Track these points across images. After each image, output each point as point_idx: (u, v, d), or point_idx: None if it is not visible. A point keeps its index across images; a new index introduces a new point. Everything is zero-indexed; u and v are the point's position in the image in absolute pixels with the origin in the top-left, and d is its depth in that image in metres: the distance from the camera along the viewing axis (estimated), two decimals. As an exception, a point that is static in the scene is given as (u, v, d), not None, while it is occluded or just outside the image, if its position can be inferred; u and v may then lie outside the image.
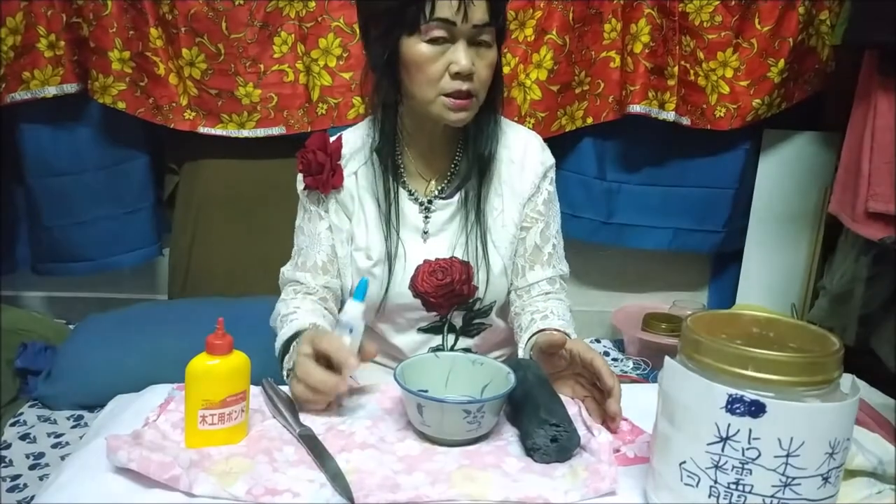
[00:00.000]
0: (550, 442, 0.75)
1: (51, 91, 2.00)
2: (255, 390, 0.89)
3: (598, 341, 2.45)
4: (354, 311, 0.85)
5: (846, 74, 1.92)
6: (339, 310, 1.07)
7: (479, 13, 0.92)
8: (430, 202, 1.06)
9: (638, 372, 2.21)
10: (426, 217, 1.06)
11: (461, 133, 1.07)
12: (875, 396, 1.68)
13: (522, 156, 1.08)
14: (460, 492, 0.70)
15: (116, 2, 1.95)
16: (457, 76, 0.93)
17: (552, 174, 1.11)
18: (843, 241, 1.95)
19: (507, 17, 1.01)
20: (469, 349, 1.10)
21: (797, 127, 2.21)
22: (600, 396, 0.86)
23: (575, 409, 0.87)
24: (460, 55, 0.92)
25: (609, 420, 0.83)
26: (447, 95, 0.94)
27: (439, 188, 1.07)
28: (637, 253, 2.40)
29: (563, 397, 0.86)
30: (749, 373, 0.59)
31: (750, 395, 0.58)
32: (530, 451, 0.77)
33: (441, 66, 0.93)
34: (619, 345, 2.41)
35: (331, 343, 0.83)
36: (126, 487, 0.69)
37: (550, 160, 1.11)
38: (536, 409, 0.78)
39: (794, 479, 0.58)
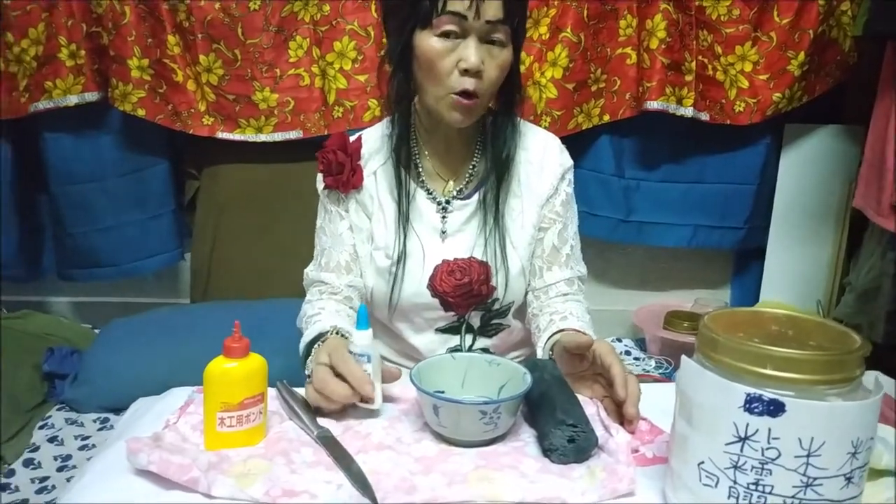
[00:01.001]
0: (567, 442, 0.75)
1: (72, 100, 2.04)
2: (273, 392, 0.90)
3: (619, 340, 2.43)
4: (364, 339, 0.84)
5: (869, 66, 1.89)
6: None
7: (492, 10, 0.92)
8: (448, 202, 1.07)
9: (660, 371, 2.19)
10: (444, 217, 1.06)
11: (479, 134, 1.08)
12: (903, 394, 1.65)
13: (541, 157, 1.08)
14: (477, 493, 0.69)
15: (134, 10, 1.98)
16: (465, 73, 0.92)
17: (570, 176, 1.11)
18: (868, 236, 1.91)
19: (525, 18, 1.00)
20: (487, 349, 1.10)
21: (819, 120, 2.18)
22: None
23: (593, 409, 0.86)
24: (470, 51, 0.92)
25: (626, 423, 0.83)
26: (454, 93, 0.94)
27: (458, 189, 1.07)
28: (657, 251, 2.38)
29: (581, 397, 0.86)
30: (768, 371, 0.58)
31: (769, 394, 0.57)
32: (547, 451, 0.76)
33: (451, 61, 0.93)
34: (641, 344, 2.39)
35: (352, 373, 0.82)
36: (146, 489, 0.70)
37: (569, 162, 1.11)
38: (553, 410, 0.78)
39: (815, 479, 0.57)
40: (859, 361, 0.59)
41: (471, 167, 1.08)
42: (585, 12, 2.02)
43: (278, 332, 1.35)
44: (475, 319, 1.09)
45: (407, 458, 0.76)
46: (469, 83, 0.93)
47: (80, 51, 2.02)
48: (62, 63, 2.01)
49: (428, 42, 0.93)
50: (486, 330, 1.10)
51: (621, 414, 0.84)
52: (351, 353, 0.84)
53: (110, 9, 1.97)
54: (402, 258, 1.04)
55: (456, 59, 0.93)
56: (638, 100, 2.07)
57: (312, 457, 0.76)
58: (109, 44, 2.00)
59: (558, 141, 1.12)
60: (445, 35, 0.92)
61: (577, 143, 2.17)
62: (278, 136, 2.12)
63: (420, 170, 1.07)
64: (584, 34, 2.03)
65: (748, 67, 2.07)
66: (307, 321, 1.02)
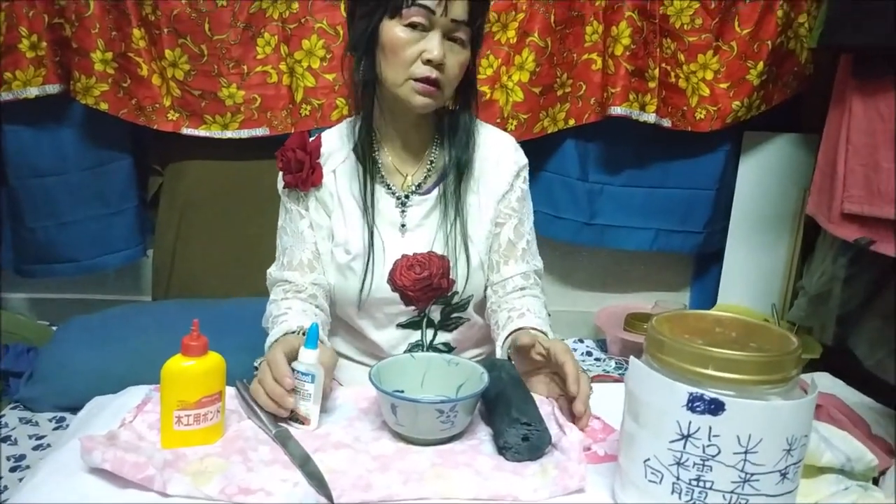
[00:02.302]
0: (521, 441, 0.77)
1: (33, 92, 2.00)
2: (232, 391, 0.90)
3: (581, 341, 2.47)
4: (310, 358, 0.83)
5: (825, 77, 1.94)
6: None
7: (458, 9, 0.96)
8: (407, 197, 1.09)
9: (620, 372, 2.23)
10: (403, 211, 1.08)
11: (436, 130, 1.11)
12: (851, 395, 1.70)
13: (497, 155, 1.12)
14: (432, 490, 0.71)
15: (99, 2, 1.95)
16: (428, 63, 0.96)
17: (525, 173, 1.15)
18: (821, 242, 1.97)
19: (484, 24, 1.04)
20: (448, 344, 1.12)
21: (777, 129, 2.24)
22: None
23: (548, 407, 0.88)
24: (434, 44, 0.96)
25: (576, 420, 0.85)
26: (416, 80, 0.97)
27: (416, 183, 1.10)
28: (619, 253, 2.42)
29: (537, 396, 0.88)
30: (709, 372, 0.61)
31: (710, 393, 0.59)
32: (502, 449, 0.78)
33: (415, 51, 0.97)
34: (602, 345, 2.43)
35: (275, 385, 0.82)
36: (100, 488, 0.69)
37: (523, 160, 1.15)
38: (508, 409, 0.80)
39: (752, 475, 0.59)
40: (796, 362, 0.62)
41: (429, 162, 1.10)
42: (552, 17, 2.04)
43: (240, 331, 1.34)
44: (435, 314, 1.11)
45: (364, 457, 0.77)
46: (431, 72, 0.97)
47: (42, 42, 1.98)
48: (22, 54, 1.96)
49: (394, 31, 0.97)
50: (447, 324, 1.12)
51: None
52: (295, 370, 0.83)
53: (73, 0, 1.94)
54: (369, 254, 1.05)
55: (420, 50, 0.97)
56: (602, 105, 2.11)
57: (269, 455, 0.77)
58: (72, 36, 1.97)
59: (513, 140, 1.16)
60: (412, 26, 0.96)
61: (542, 147, 2.20)
62: (244, 133, 2.11)
63: (379, 164, 1.09)
64: (551, 39, 2.06)
65: (709, 76, 2.12)
66: (273, 321, 1.02)
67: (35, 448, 1.71)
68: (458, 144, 1.08)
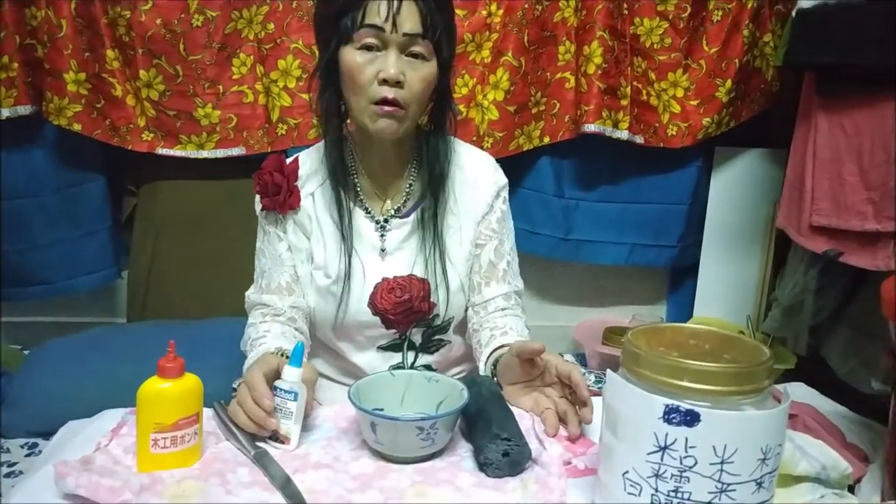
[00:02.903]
0: (502, 456, 0.77)
1: (4, 113, 1.97)
2: (210, 413, 0.89)
3: (560, 356, 2.47)
4: (293, 376, 0.83)
5: (791, 94, 2.00)
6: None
7: (409, 23, 0.94)
8: (386, 221, 1.08)
9: (599, 385, 2.24)
10: (382, 235, 1.08)
11: (414, 153, 1.10)
12: (825, 404, 1.73)
13: (476, 175, 1.11)
14: (412, 508, 0.71)
15: (71, 23, 1.94)
16: (384, 83, 0.94)
17: (505, 193, 1.14)
18: (792, 255, 2.01)
19: (451, 36, 1.01)
20: (429, 366, 1.12)
21: (747, 144, 2.29)
22: (566, 406, 0.88)
23: (529, 422, 0.88)
24: (389, 62, 0.94)
25: (582, 421, 0.86)
26: (376, 103, 0.95)
27: (395, 207, 1.09)
28: (596, 268, 2.45)
29: (516, 410, 0.88)
30: (685, 383, 0.62)
31: (685, 405, 0.60)
32: (483, 465, 0.78)
33: (371, 73, 0.95)
34: (581, 359, 2.44)
35: (256, 389, 0.82)
36: (75, 514, 0.68)
37: (503, 180, 1.14)
38: (489, 425, 0.80)
39: (729, 485, 0.60)
40: (768, 373, 0.63)
41: (407, 186, 1.10)
42: (526, 37, 2.08)
43: (217, 353, 1.33)
44: (416, 336, 1.10)
45: (344, 476, 0.77)
46: (388, 92, 0.95)
47: (13, 63, 1.95)
48: (-7, 75, 1.95)
49: (350, 56, 0.96)
50: (428, 346, 1.12)
51: (567, 421, 0.87)
52: (278, 388, 0.83)
53: (46, 21, 1.93)
54: (346, 277, 1.05)
55: (376, 70, 0.95)
56: (576, 122, 2.14)
57: (248, 477, 0.76)
58: (44, 56, 1.95)
59: (493, 160, 1.15)
60: (367, 48, 0.95)
61: (518, 164, 2.22)
62: (220, 153, 2.10)
63: (358, 189, 1.08)
64: (525, 58, 2.09)
65: (680, 93, 2.16)
66: (252, 344, 1.01)
67: (7, 475, 1.66)
68: (433, 165, 1.06)
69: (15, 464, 1.71)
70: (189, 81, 2.04)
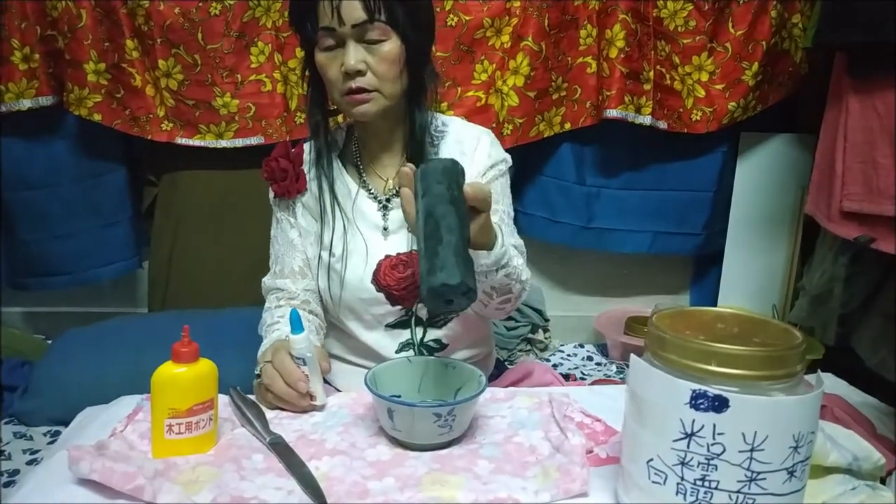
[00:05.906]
0: (444, 304, 0.73)
1: (26, 104, 1.99)
2: (226, 399, 0.88)
3: (581, 346, 2.45)
4: (300, 343, 0.87)
5: (820, 76, 1.94)
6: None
7: (353, 13, 0.97)
8: (388, 200, 1.10)
9: (621, 376, 2.21)
10: (384, 214, 1.09)
11: (409, 133, 1.11)
12: (854, 395, 1.69)
13: (473, 149, 1.11)
14: (429, 496, 0.69)
15: (91, 13, 1.94)
16: (346, 75, 0.99)
17: (503, 167, 1.13)
18: (821, 242, 1.96)
19: (407, 10, 1.00)
20: (440, 340, 1.10)
21: (773, 129, 2.23)
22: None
23: (547, 409, 0.86)
24: (347, 55, 0.98)
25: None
26: (346, 94, 1.01)
27: (396, 187, 1.10)
28: (618, 257, 2.41)
29: (529, 400, 0.86)
30: (713, 368, 0.59)
31: (713, 390, 0.58)
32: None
33: (337, 68, 1.00)
34: (602, 349, 2.41)
35: (288, 372, 0.88)
36: (88, 499, 0.68)
37: (501, 155, 1.13)
38: (443, 254, 0.71)
39: (759, 473, 0.58)
40: (800, 357, 0.61)
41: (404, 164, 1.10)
42: (546, 22, 2.04)
43: (238, 341, 1.33)
44: (423, 311, 1.10)
45: (360, 463, 0.76)
46: (351, 83, 0.99)
47: (35, 54, 1.97)
48: (15, 66, 1.95)
49: (319, 57, 1.02)
50: (435, 320, 1.11)
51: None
52: (290, 356, 0.88)
53: (66, 12, 1.93)
54: (343, 254, 1.07)
55: (339, 65, 0.99)
56: (598, 108, 2.10)
57: (263, 463, 0.75)
58: (65, 47, 1.96)
59: (492, 136, 1.15)
60: (329, 48, 1.00)
61: (539, 151, 2.19)
62: (239, 142, 2.10)
63: (361, 169, 1.12)
64: (546, 43, 2.05)
65: (704, 77, 2.11)
66: (267, 329, 1.06)
67: (29, 462, 1.68)
68: (414, 142, 1.08)
69: (38, 451, 1.73)
70: (207, 70, 2.04)
